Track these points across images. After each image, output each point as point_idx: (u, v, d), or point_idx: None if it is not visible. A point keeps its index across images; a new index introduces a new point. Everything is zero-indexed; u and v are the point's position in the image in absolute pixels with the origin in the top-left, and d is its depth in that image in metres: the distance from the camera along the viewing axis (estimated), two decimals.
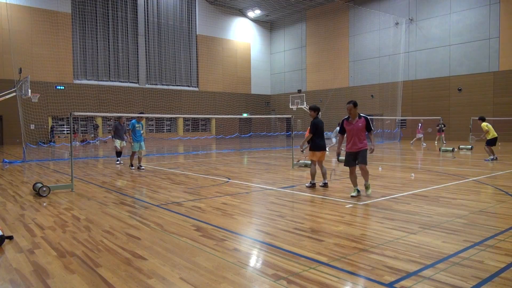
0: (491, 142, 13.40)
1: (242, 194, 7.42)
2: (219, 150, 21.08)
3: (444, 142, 20.46)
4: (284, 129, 39.86)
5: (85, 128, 30.89)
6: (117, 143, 13.18)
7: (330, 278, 3.24)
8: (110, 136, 13.01)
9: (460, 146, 18.97)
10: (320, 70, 36.26)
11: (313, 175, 7.92)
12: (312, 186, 7.88)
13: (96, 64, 30.75)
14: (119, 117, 12.28)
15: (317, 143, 7.81)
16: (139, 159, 11.79)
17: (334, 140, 19.49)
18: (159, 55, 33.98)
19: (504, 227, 4.74)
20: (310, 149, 7.90)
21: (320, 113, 8.24)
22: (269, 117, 37.11)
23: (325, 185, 7.85)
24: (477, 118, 14.25)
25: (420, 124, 21.87)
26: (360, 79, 33.17)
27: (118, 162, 13.17)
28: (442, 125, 19.99)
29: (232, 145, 25.89)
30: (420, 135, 21.62)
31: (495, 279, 3.16)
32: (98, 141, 28.93)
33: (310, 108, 7.99)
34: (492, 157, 13.10)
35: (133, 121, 11.69)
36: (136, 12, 32.50)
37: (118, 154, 13.42)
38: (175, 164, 13.38)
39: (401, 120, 29.74)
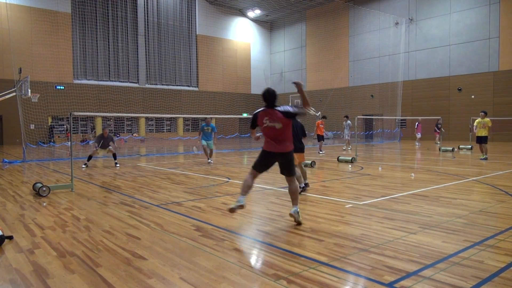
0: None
1: None
2: (219, 150, 21.07)
3: (438, 142, 20.43)
4: None
5: (85, 128, 30.90)
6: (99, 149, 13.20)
7: (330, 278, 3.24)
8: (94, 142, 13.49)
9: (460, 146, 18.96)
10: (320, 70, 36.26)
11: (298, 178, 7.27)
12: (306, 186, 7.44)
13: (96, 64, 30.75)
14: (103, 128, 13.60)
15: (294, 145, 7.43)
16: (210, 155, 13.49)
17: (346, 135, 19.44)
18: (159, 55, 33.98)
19: (504, 227, 4.74)
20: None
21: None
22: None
23: (305, 185, 7.41)
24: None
25: (417, 123, 22.22)
26: (360, 79, 33.17)
27: (85, 165, 12.71)
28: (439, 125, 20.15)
29: (232, 145, 25.90)
30: (419, 135, 22.11)
31: (495, 279, 3.16)
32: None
33: None
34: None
35: (203, 124, 13.43)
36: (136, 12, 32.50)
37: (89, 157, 13.14)
38: (175, 164, 13.38)
39: (401, 120, 29.75)
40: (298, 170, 7.16)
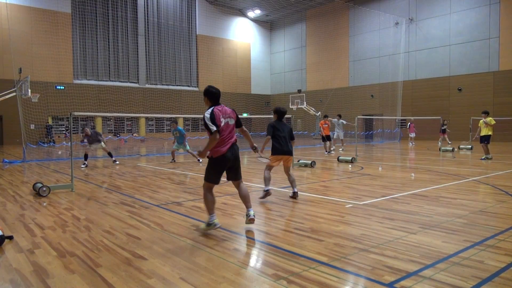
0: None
1: None
2: None
3: (449, 142, 20.75)
4: None
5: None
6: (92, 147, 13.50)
7: (330, 278, 3.24)
8: (85, 142, 13.68)
9: (460, 146, 18.96)
10: (320, 70, 36.25)
11: (266, 180, 6.77)
12: (267, 194, 6.64)
13: (96, 64, 30.76)
14: (84, 128, 13.68)
15: (276, 147, 6.81)
16: (193, 156, 13.65)
17: (341, 135, 19.22)
18: (159, 55, 33.98)
19: (504, 227, 4.74)
20: (272, 154, 6.88)
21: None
22: (268, 117, 37.13)
23: (294, 194, 6.75)
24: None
25: (409, 123, 22.79)
26: (360, 79, 33.17)
27: (84, 165, 12.73)
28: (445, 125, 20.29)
29: None
30: (412, 134, 22.65)
31: (495, 279, 3.16)
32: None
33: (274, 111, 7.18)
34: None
35: (172, 129, 13.89)
36: (136, 12, 32.50)
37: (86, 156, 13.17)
38: (175, 164, 13.38)
39: (401, 120, 29.76)
40: (292, 174, 6.95)
